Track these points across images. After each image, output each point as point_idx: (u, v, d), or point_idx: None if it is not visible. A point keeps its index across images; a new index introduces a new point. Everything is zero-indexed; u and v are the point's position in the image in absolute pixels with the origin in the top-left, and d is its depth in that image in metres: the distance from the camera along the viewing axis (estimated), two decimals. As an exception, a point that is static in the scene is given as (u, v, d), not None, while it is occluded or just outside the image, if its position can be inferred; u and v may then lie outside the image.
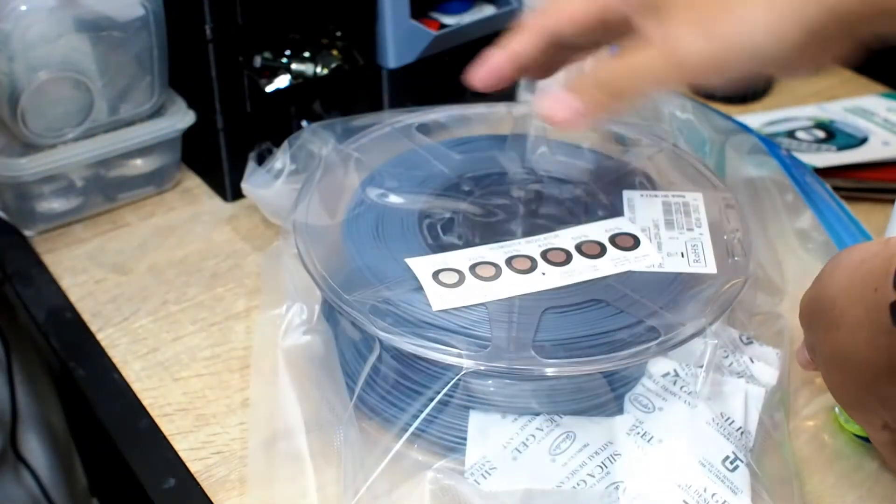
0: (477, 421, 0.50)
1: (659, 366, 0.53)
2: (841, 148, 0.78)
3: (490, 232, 0.59)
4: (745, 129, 0.73)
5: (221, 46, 0.66)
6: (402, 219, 0.58)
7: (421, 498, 0.48)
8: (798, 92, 0.90)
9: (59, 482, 0.97)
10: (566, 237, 0.56)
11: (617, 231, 0.57)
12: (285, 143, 0.63)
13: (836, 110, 0.84)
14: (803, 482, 0.52)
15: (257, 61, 0.69)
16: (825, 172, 0.75)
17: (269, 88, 0.70)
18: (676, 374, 0.52)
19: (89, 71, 0.65)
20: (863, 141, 0.78)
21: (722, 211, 0.59)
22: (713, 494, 0.47)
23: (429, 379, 0.50)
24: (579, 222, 0.58)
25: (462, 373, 0.48)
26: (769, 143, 0.71)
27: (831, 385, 0.49)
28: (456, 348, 0.48)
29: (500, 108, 0.68)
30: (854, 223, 0.69)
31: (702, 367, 0.50)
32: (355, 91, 0.74)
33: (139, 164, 0.71)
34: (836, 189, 0.74)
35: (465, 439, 0.50)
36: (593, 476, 0.49)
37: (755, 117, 0.84)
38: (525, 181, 0.63)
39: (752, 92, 0.88)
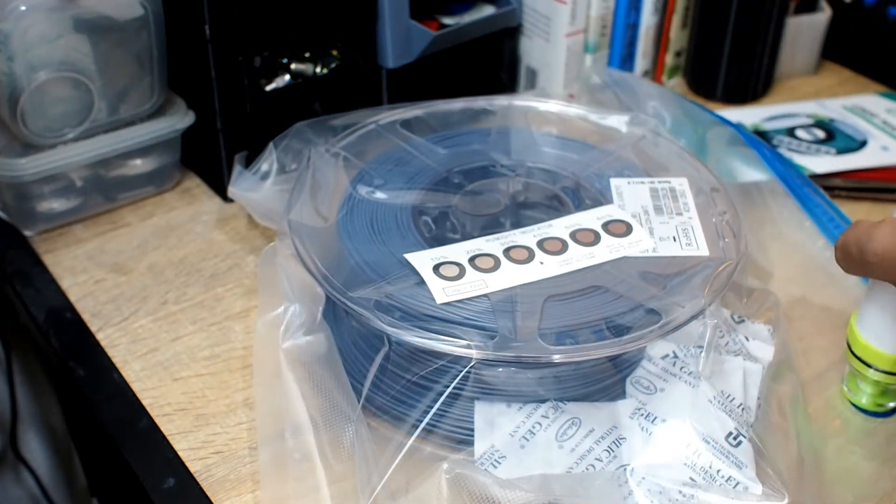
0: (483, 411, 0.51)
1: (658, 348, 0.53)
2: (840, 151, 0.78)
3: (484, 224, 0.59)
4: (723, 121, 0.74)
5: (221, 46, 0.66)
6: (397, 215, 0.58)
7: (438, 490, 0.48)
8: (797, 91, 0.90)
9: (59, 482, 0.97)
10: (560, 226, 0.56)
11: (609, 218, 0.57)
12: (270, 145, 0.64)
13: (835, 108, 0.84)
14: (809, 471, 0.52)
15: (257, 61, 0.69)
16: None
17: (268, 88, 0.70)
18: (675, 356, 0.53)
19: (89, 71, 0.65)
20: (862, 144, 0.79)
21: (708, 194, 0.60)
22: (718, 470, 0.48)
23: (436, 373, 0.50)
24: (569, 212, 0.59)
25: (471, 364, 0.48)
26: (748, 137, 0.72)
27: None
28: (464, 340, 0.48)
29: (480, 102, 0.68)
30: (820, 195, 0.69)
31: (702, 347, 0.51)
32: (355, 91, 0.74)
33: (139, 164, 0.71)
34: (835, 189, 0.74)
35: (473, 431, 0.50)
36: (601, 460, 0.49)
37: (755, 111, 0.84)
38: (513, 173, 0.63)
39: (751, 91, 0.88)
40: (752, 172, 0.70)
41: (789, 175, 0.70)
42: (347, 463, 0.50)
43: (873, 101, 0.85)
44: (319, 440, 0.50)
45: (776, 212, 0.69)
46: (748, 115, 0.83)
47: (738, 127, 0.73)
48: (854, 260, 0.49)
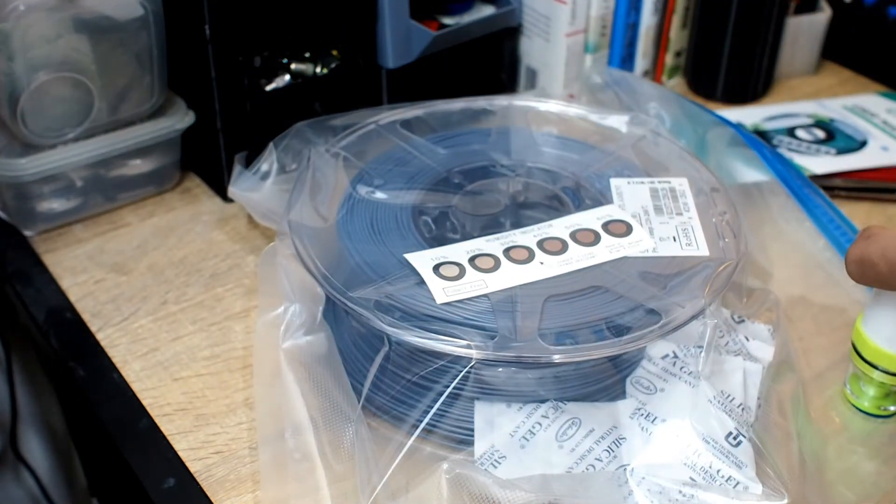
0: (483, 411, 0.51)
1: (658, 348, 0.54)
2: (840, 151, 0.78)
3: (484, 224, 0.59)
4: (724, 121, 0.74)
5: (221, 46, 0.66)
6: (397, 215, 0.58)
7: (438, 490, 0.48)
8: (797, 91, 0.90)
9: (59, 482, 0.97)
10: (560, 226, 0.57)
11: (609, 218, 0.57)
12: (270, 145, 0.64)
13: (835, 108, 0.84)
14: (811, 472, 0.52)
15: (257, 61, 0.69)
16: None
17: (268, 88, 0.70)
18: (675, 356, 0.53)
19: (89, 71, 0.65)
20: (862, 144, 0.79)
21: (708, 194, 0.60)
22: (718, 470, 0.48)
23: (436, 373, 0.50)
24: (569, 212, 0.59)
25: (471, 364, 0.48)
26: (749, 137, 0.72)
27: None
28: (464, 340, 0.48)
29: (480, 102, 0.68)
30: (820, 196, 0.69)
31: (702, 347, 0.51)
32: (355, 91, 0.74)
33: (139, 164, 0.71)
34: (835, 189, 0.74)
35: (473, 431, 0.50)
36: (601, 460, 0.49)
37: (755, 111, 0.84)
38: (513, 173, 0.63)
39: (751, 91, 0.88)
40: (752, 173, 0.70)
41: (790, 176, 0.70)
42: (347, 463, 0.50)
43: (873, 101, 0.85)
44: (319, 440, 0.50)
45: (776, 212, 0.69)
46: (748, 115, 0.83)
47: (739, 127, 0.73)
48: (880, 274, 0.49)
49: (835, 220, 0.68)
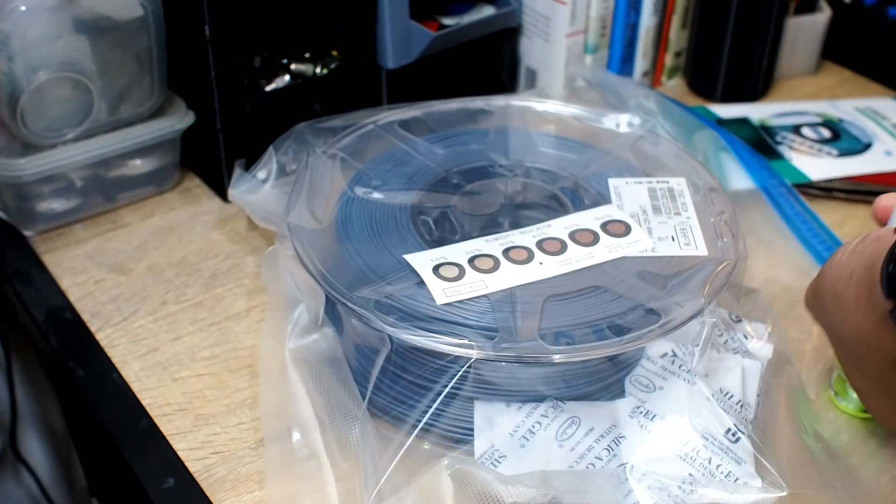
0: (482, 411, 0.51)
1: (657, 347, 0.53)
2: (843, 152, 0.77)
3: (483, 224, 0.59)
4: (708, 124, 0.74)
5: (221, 46, 0.66)
6: (396, 215, 0.58)
7: (441, 486, 0.48)
8: (797, 91, 0.90)
9: (58, 482, 0.97)
10: (559, 227, 0.57)
11: (608, 218, 0.57)
12: (270, 148, 0.64)
13: (847, 109, 0.83)
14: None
15: (257, 61, 0.69)
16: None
17: (268, 89, 0.70)
18: (674, 355, 0.53)
19: (89, 71, 0.65)
20: (866, 146, 0.78)
21: (706, 194, 0.61)
22: (717, 466, 0.48)
23: (436, 373, 0.50)
24: (568, 212, 0.59)
25: (470, 363, 0.48)
26: (732, 140, 0.72)
27: (847, 374, 0.50)
28: (464, 340, 0.48)
29: (478, 102, 0.69)
30: (800, 203, 0.70)
31: (699, 345, 0.51)
32: (355, 92, 0.74)
33: (139, 164, 0.71)
34: (833, 190, 0.74)
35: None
36: (601, 459, 0.49)
37: (764, 107, 0.83)
38: (511, 173, 0.63)
39: (750, 91, 0.88)
40: (734, 178, 0.70)
41: (769, 183, 0.70)
42: (353, 461, 0.50)
43: (887, 104, 0.84)
44: (326, 438, 0.51)
45: (757, 216, 0.69)
46: (756, 111, 0.83)
47: (725, 133, 0.73)
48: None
49: (813, 228, 0.68)
